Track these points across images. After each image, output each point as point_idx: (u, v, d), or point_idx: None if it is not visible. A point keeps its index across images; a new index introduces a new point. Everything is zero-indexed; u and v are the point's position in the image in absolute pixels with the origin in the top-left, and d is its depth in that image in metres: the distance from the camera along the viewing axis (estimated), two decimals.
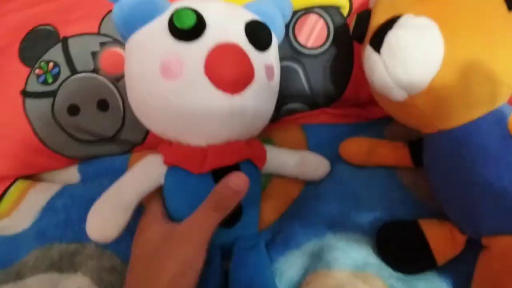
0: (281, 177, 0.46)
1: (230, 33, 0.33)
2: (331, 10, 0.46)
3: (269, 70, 0.36)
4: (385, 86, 0.34)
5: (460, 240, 0.36)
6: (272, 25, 0.38)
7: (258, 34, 0.35)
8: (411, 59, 0.31)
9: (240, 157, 0.37)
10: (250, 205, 0.38)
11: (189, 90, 0.32)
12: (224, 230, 0.36)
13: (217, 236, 0.35)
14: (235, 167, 0.36)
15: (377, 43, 0.32)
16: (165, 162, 0.36)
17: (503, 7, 0.30)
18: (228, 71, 0.32)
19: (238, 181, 0.33)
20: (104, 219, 0.34)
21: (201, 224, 0.33)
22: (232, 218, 0.36)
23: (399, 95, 0.33)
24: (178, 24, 0.32)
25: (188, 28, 0.32)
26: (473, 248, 0.36)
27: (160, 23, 0.33)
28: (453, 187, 0.35)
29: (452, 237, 0.37)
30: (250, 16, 0.36)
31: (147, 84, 0.34)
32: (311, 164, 0.44)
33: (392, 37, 0.32)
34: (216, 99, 0.32)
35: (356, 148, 0.45)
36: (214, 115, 0.33)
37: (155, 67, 0.33)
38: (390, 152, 0.44)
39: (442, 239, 0.37)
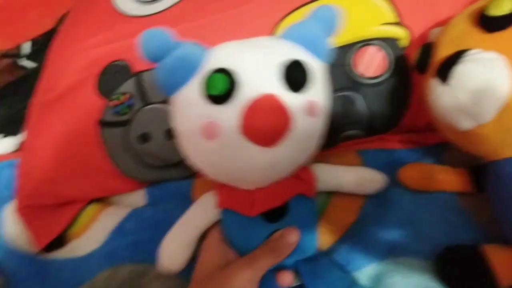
0: (339, 197, 0.47)
1: (264, 85, 0.33)
2: (389, 42, 0.48)
3: (311, 107, 0.35)
4: (452, 116, 0.35)
5: None
6: (315, 50, 0.37)
7: (293, 77, 0.34)
8: (480, 90, 0.32)
9: (287, 196, 0.38)
10: (306, 231, 0.40)
11: (228, 149, 0.34)
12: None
13: None
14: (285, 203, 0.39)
15: (445, 75, 0.34)
16: (219, 206, 0.40)
17: None
18: (262, 127, 0.32)
19: (293, 234, 0.38)
20: (172, 255, 0.41)
21: (257, 260, 0.37)
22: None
23: (466, 124, 0.35)
24: (210, 91, 0.33)
25: (221, 94, 0.32)
26: None
27: (195, 86, 0.34)
28: None
29: None
30: (286, 54, 0.35)
31: (192, 143, 0.36)
32: (367, 182, 0.45)
33: (461, 69, 0.33)
34: (255, 155, 0.34)
35: (416, 173, 0.46)
36: (255, 169, 0.35)
37: (196, 128, 0.34)
38: (451, 178, 0.44)
39: (506, 264, 0.37)
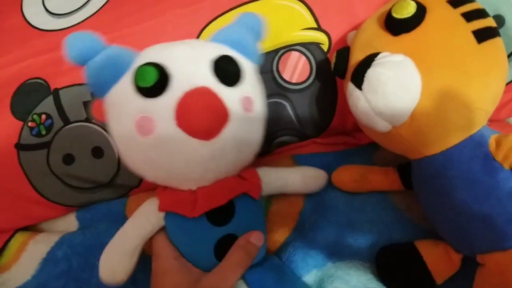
0: (278, 204, 0.47)
1: (197, 77, 0.33)
2: (311, 47, 0.48)
3: (246, 102, 0.35)
4: (369, 119, 0.35)
5: (456, 259, 0.37)
6: (244, 51, 0.38)
7: (226, 70, 0.34)
8: (391, 93, 0.32)
9: (230, 195, 0.37)
10: None
11: (165, 143, 0.33)
12: None
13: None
14: (230, 203, 0.37)
15: (358, 80, 0.34)
16: (160, 209, 0.38)
17: (473, 40, 0.32)
18: (199, 119, 0.32)
19: (259, 238, 0.37)
20: (113, 265, 0.37)
21: (229, 279, 0.35)
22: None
23: (383, 126, 0.35)
24: (140, 83, 0.32)
25: (152, 85, 0.32)
26: (470, 264, 0.37)
27: (127, 82, 0.33)
28: (443, 210, 0.36)
29: (448, 257, 0.38)
30: (216, 51, 0.35)
31: (127, 141, 0.35)
32: (311, 180, 0.45)
33: (372, 74, 0.33)
34: (194, 148, 0.33)
35: (348, 176, 0.46)
36: (195, 163, 0.34)
37: (130, 125, 0.33)
38: (381, 178, 0.45)
39: (439, 259, 0.38)
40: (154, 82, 0.32)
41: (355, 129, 0.49)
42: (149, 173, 0.37)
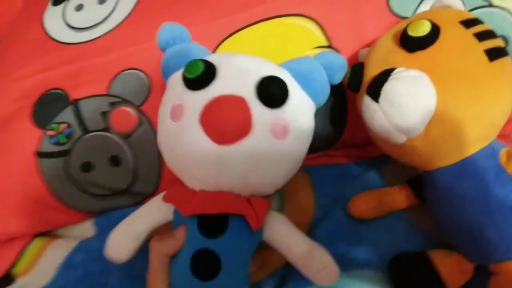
0: (290, 210, 0.47)
1: (238, 86, 0.34)
2: None
3: (278, 128, 0.34)
4: (385, 131, 0.36)
5: (469, 268, 0.38)
6: (305, 84, 0.37)
7: (268, 90, 0.34)
8: (407, 106, 0.33)
9: (225, 209, 0.35)
10: (233, 264, 0.36)
11: (183, 133, 0.34)
12: (200, 282, 0.35)
13: (190, 284, 0.35)
14: (224, 219, 0.36)
15: (374, 94, 0.35)
16: (163, 199, 0.38)
17: (485, 58, 0.34)
18: (218, 121, 0.33)
19: (179, 232, 0.36)
20: (118, 245, 0.39)
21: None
22: (208, 271, 0.35)
23: (398, 138, 0.36)
24: (186, 74, 0.35)
25: (194, 78, 0.34)
26: (482, 273, 0.38)
27: (181, 71, 0.36)
28: (456, 220, 0.37)
29: (461, 266, 0.38)
30: (271, 72, 0.36)
31: (161, 122, 0.38)
32: (315, 261, 0.37)
33: (388, 88, 0.34)
34: (203, 146, 0.33)
35: (365, 204, 0.46)
36: (199, 161, 0.34)
37: (168, 109, 0.36)
38: (397, 197, 0.45)
39: (452, 268, 0.39)
40: (197, 76, 0.34)
41: (365, 143, 0.50)
42: (166, 158, 0.39)
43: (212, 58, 0.37)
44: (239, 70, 0.35)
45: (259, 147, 0.34)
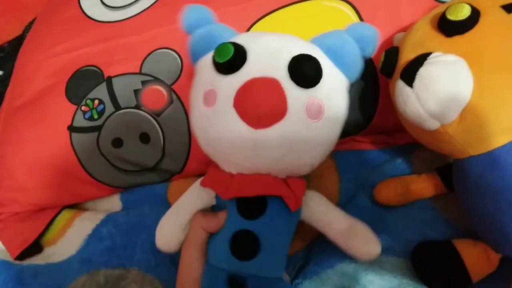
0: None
1: (270, 68, 0.33)
2: None
3: (313, 107, 0.34)
4: (418, 117, 0.36)
5: (495, 258, 0.38)
6: (337, 59, 0.36)
7: (301, 69, 0.33)
8: (443, 91, 0.33)
9: (263, 191, 0.35)
10: (272, 245, 0.36)
11: (218, 119, 0.34)
12: (238, 261, 0.36)
13: (229, 263, 0.36)
14: (263, 201, 0.36)
15: (409, 78, 0.35)
16: (201, 184, 0.39)
17: None
18: (253, 105, 0.32)
19: (222, 214, 0.37)
20: (167, 236, 0.40)
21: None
22: (248, 251, 0.36)
23: (432, 124, 0.36)
24: (216, 58, 0.34)
25: (224, 62, 0.33)
26: (508, 264, 0.37)
27: (210, 55, 0.36)
28: (485, 209, 0.37)
29: (487, 256, 0.38)
30: (301, 50, 0.35)
31: (194, 108, 0.37)
32: (358, 236, 0.38)
33: (424, 72, 0.34)
34: (239, 131, 0.33)
35: (392, 191, 0.46)
36: (236, 146, 0.34)
37: (200, 94, 0.36)
38: (424, 185, 0.45)
39: (477, 258, 0.39)
40: (227, 60, 0.33)
41: (395, 129, 0.50)
42: (202, 143, 0.38)
43: (240, 39, 0.36)
44: (269, 51, 0.35)
45: (296, 129, 0.33)
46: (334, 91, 0.36)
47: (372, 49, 0.38)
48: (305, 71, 0.34)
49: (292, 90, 0.33)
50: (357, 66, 0.38)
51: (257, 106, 0.32)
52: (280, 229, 0.37)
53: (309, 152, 0.36)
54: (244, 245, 0.36)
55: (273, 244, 0.36)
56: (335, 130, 0.37)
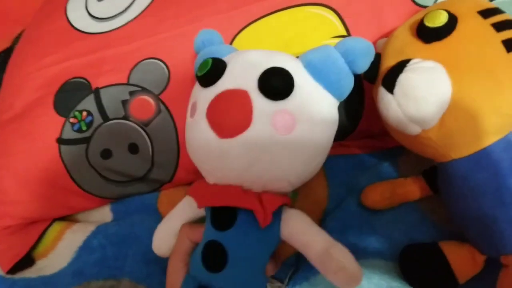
0: (302, 201, 0.48)
1: (243, 81, 0.34)
2: None
3: (281, 120, 0.33)
4: (400, 122, 0.36)
5: (480, 260, 0.38)
6: (319, 77, 0.36)
7: (269, 81, 0.34)
8: (422, 97, 0.34)
9: (230, 202, 0.35)
10: (241, 260, 0.35)
11: (195, 128, 0.37)
12: (208, 273, 0.35)
13: (200, 274, 0.36)
14: (234, 213, 0.36)
15: (390, 85, 0.36)
16: (186, 192, 0.41)
17: (503, 49, 0.34)
18: (219, 115, 0.34)
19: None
20: (159, 242, 0.42)
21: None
22: (215, 263, 0.35)
23: (413, 129, 0.36)
24: (197, 72, 0.37)
25: (202, 75, 0.36)
26: (492, 265, 0.38)
27: None
28: (469, 212, 0.37)
29: (472, 258, 0.38)
30: (278, 64, 0.35)
31: (186, 120, 0.40)
32: (333, 261, 0.33)
33: (403, 79, 0.35)
34: (208, 139, 0.35)
35: (378, 195, 0.46)
36: (206, 154, 0.37)
37: (189, 107, 0.40)
38: (410, 189, 0.45)
39: (462, 260, 0.39)
40: (204, 73, 0.36)
41: (382, 133, 0.50)
42: (188, 152, 0.41)
43: (228, 56, 0.39)
44: (246, 65, 0.36)
45: (260, 140, 0.33)
46: (309, 106, 0.35)
47: (363, 64, 0.37)
48: (273, 83, 0.34)
49: (259, 102, 0.34)
50: (342, 83, 0.36)
51: (222, 115, 0.34)
52: (249, 243, 0.36)
53: (280, 165, 0.35)
54: (213, 256, 0.36)
55: (242, 258, 0.35)
56: (312, 145, 0.36)
